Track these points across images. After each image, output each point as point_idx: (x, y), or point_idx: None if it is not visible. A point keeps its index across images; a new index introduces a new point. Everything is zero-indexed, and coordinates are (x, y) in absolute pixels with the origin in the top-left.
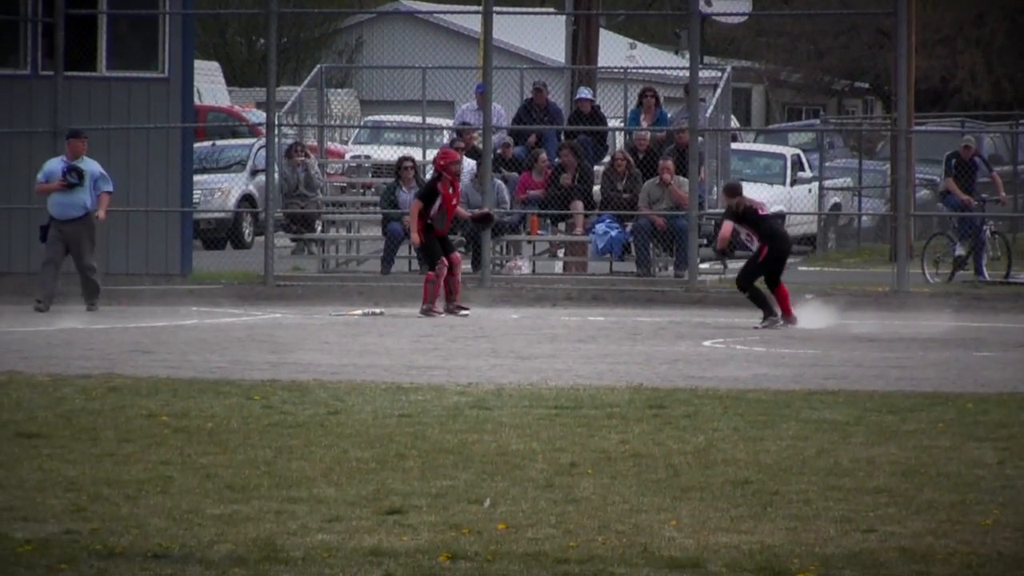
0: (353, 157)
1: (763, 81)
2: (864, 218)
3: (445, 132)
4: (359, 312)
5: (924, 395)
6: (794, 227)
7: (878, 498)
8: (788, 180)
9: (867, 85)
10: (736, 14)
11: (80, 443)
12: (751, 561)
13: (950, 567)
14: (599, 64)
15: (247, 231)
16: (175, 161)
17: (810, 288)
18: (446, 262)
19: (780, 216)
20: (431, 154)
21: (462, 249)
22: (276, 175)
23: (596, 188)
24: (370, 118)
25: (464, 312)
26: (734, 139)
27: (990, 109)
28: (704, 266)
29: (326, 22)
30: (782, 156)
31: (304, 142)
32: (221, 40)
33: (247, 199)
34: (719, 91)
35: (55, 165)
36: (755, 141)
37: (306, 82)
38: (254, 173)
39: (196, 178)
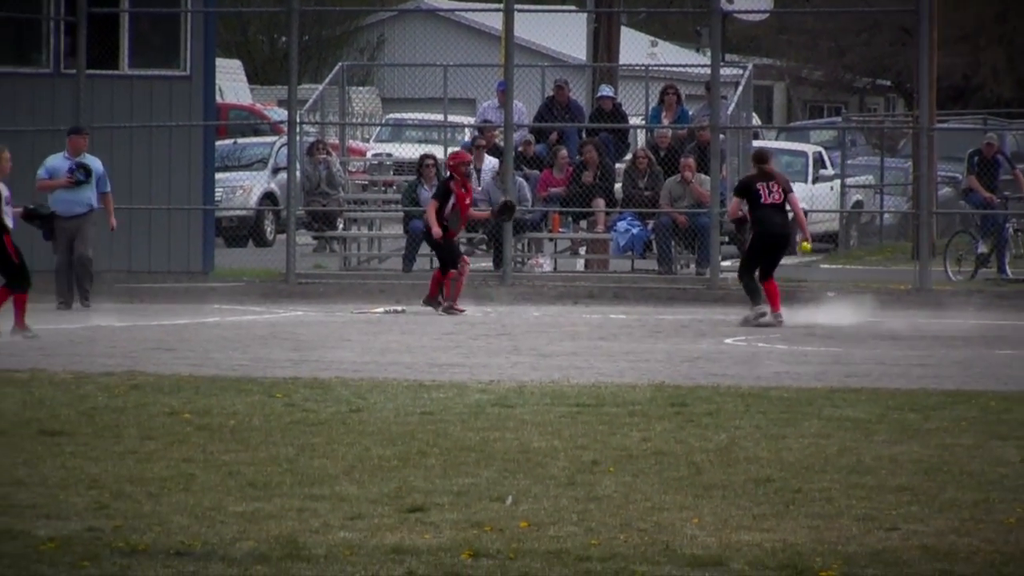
0: (375, 155)
1: (785, 78)
2: (886, 216)
3: (466, 130)
4: (381, 310)
5: (947, 393)
6: (816, 224)
7: (901, 496)
8: (810, 178)
9: (889, 83)
10: (757, 11)
11: (103, 441)
12: (773, 559)
13: (973, 565)
14: (620, 62)
15: (269, 229)
16: (197, 159)
17: (832, 286)
18: (468, 260)
19: (781, 208)
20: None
21: (483, 247)
22: (298, 173)
23: (617, 186)
24: (391, 116)
25: (463, 312)
26: (756, 136)
27: (1012, 106)
28: (726, 264)
29: (347, 20)
30: (804, 154)
31: (326, 140)
32: (243, 38)
33: (269, 197)
34: (740, 88)
35: (58, 161)
36: (777, 139)
37: (327, 80)
38: (276, 171)
39: (218, 176)
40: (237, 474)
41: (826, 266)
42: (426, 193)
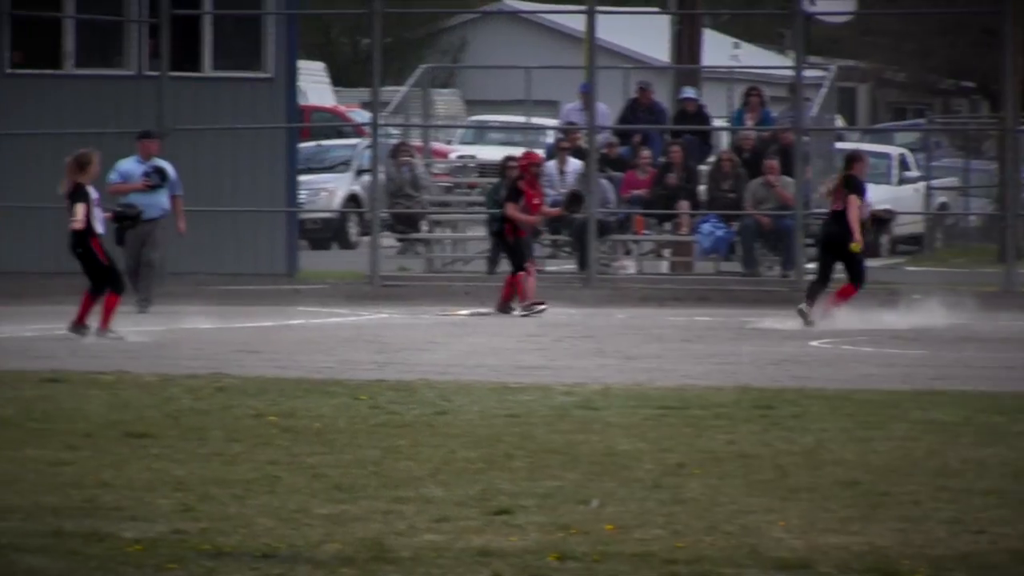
0: (458, 157)
1: (868, 80)
2: (971, 218)
3: (549, 132)
4: (465, 312)
5: None
6: (901, 227)
7: (988, 499)
8: (895, 179)
9: (973, 84)
10: (841, 13)
11: (188, 443)
12: (860, 562)
13: None
14: (703, 63)
15: (353, 231)
16: (280, 161)
17: (918, 288)
18: (535, 263)
19: (835, 215)
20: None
21: (567, 249)
22: (381, 175)
23: (701, 188)
24: (474, 118)
25: (518, 313)
26: (839, 138)
27: None
28: (810, 266)
29: (430, 22)
30: (888, 156)
31: (409, 142)
32: (326, 40)
33: (352, 199)
34: (824, 90)
35: (130, 165)
36: (861, 140)
37: (410, 82)
38: (359, 173)
39: (301, 178)
40: (323, 476)
41: (911, 268)
42: None
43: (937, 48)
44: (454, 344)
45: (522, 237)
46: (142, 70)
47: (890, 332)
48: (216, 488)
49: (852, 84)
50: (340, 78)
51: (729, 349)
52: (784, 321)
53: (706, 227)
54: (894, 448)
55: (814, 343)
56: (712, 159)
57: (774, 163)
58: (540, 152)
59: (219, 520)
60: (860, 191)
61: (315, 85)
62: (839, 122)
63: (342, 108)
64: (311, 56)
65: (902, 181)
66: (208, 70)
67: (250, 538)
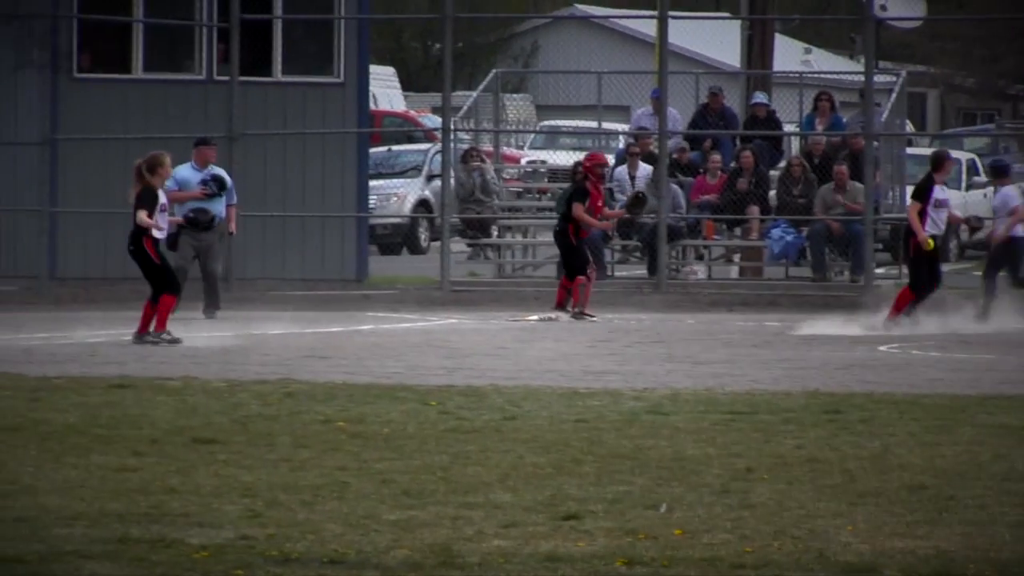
0: (529, 162)
1: (938, 86)
2: None
3: (621, 137)
4: (535, 317)
5: None
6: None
7: None
8: (964, 184)
9: None
10: (911, 18)
11: (256, 449)
12: (927, 566)
13: None
14: (774, 69)
15: (423, 236)
16: (351, 166)
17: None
18: (595, 267)
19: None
20: (608, 159)
21: (638, 255)
22: (452, 180)
23: (772, 193)
24: (545, 123)
25: (593, 318)
26: (909, 144)
27: None
28: (880, 271)
29: (501, 27)
30: (958, 160)
31: (480, 147)
32: (397, 45)
33: (423, 204)
34: (894, 95)
35: (187, 172)
36: (930, 145)
37: (481, 87)
38: (430, 178)
39: (372, 183)
40: (391, 482)
41: (979, 273)
42: None
43: (1006, 53)
44: (524, 349)
45: (584, 239)
46: (212, 75)
47: (958, 336)
48: (284, 494)
49: (922, 89)
50: (411, 83)
51: (798, 354)
52: (829, 325)
53: (776, 232)
54: (961, 452)
55: (883, 348)
56: (782, 164)
57: (844, 168)
58: (610, 157)
59: (287, 526)
60: (920, 195)
61: (386, 90)
62: (909, 127)
63: (413, 113)
64: (382, 61)
65: (971, 186)
66: (278, 75)
67: (318, 544)
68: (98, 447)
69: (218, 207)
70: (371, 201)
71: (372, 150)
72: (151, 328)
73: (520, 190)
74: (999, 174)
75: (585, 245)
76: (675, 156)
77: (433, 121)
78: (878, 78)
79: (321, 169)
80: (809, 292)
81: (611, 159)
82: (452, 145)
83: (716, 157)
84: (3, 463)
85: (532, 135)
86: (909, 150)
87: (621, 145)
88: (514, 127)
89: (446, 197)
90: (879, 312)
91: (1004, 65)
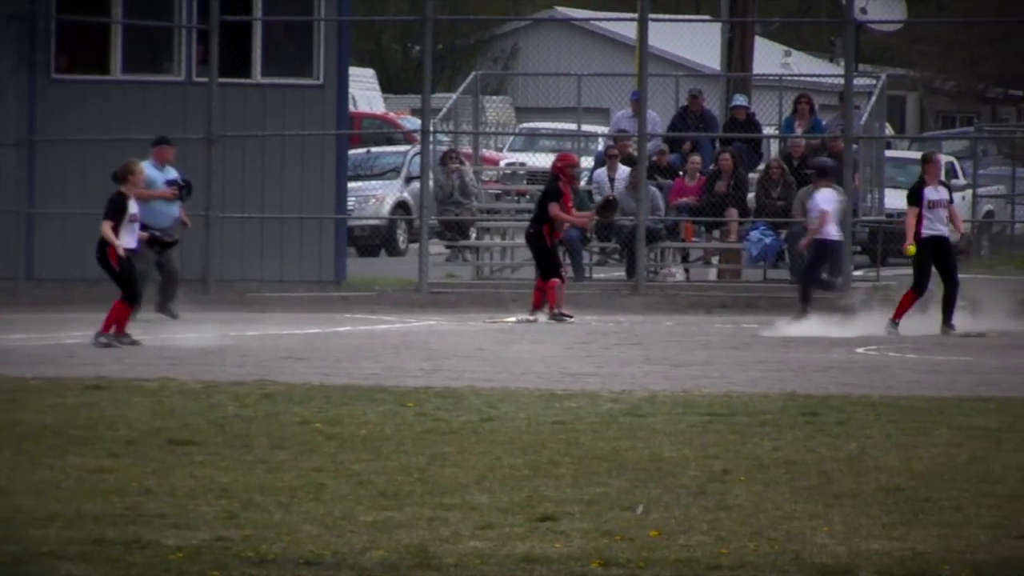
0: (508, 164)
1: (917, 89)
2: (1017, 225)
3: (600, 139)
4: (513, 319)
5: None
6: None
7: None
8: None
9: (1021, 93)
10: (891, 21)
11: (233, 450)
12: (902, 568)
13: None
14: (754, 71)
15: (401, 238)
16: (330, 168)
17: (963, 295)
18: (567, 271)
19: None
20: (587, 161)
21: (616, 256)
22: (431, 182)
23: (750, 195)
24: (525, 125)
25: (570, 319)
26: (888, 147)
27: None
28: (858, 273)
29: (481, 29)
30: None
31: (459, 149)
32: (376, 47)
33: (401, 206)
34: (874, 98)
35: (151, 171)
36: (909, 148)
37: (461, 89)
38: (409, 180)
39: (351, 185)
40: (368, 483)
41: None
42: None
43: (986, 56)
44: (501, 351)
45: (558, 240)
46: (191, 76)
47: (935, 339)
48: (260, 495)
49: (901, 92)
50: (390, 85)
51: (776, 356)
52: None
53: (755, 234)
54: (937, 454)
55: (860, 350)
56: (761, 167)
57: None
58: (589, 159)
59: (263, 527)
60: (913, 199)
61: (365, 92)
62: (888, 130)
63: (392, 115)
64: (361, 63)
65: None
66: (258, 77)
67: (294, 545)
68: (74, 448)
69: (176, 209)
70: (350, 203)
71: (351, 152)
72: (128, 332)
73: (499, 192)
74: (820, 175)
75: (559, 248)
76: (654, 158)
77: (412, 123)
78: (858, 81)
79: (300, 171)
80: (787, 294)
81: (590, 161)
82: (431, 147)
83: (696, 159)
84: None
85: (511, 137)
86: (888, 153)
87: (601, 147)
88: (493, 129)
89: (425, 199)
90: (859, 314)
91: (983, 68)
